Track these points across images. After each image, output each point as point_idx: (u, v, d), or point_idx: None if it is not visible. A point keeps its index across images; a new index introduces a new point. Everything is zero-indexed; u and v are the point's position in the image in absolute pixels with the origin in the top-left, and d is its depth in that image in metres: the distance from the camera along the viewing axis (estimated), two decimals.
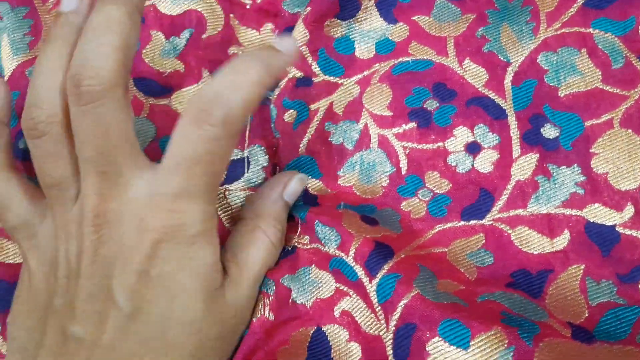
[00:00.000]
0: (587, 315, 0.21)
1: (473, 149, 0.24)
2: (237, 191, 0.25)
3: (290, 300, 0.23)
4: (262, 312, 0.23)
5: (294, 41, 0.20)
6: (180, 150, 0.19)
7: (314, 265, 0.23)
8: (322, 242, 0.23)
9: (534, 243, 0.23)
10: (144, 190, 0.19)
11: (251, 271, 0.22)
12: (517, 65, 0.25)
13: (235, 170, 0.25)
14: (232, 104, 0.18)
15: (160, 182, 0.19)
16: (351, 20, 0.27)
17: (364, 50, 0.27)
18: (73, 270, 0.19)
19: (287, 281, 0.23)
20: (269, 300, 0.23)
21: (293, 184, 0.24)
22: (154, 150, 0.26)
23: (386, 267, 0.22)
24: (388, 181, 0.25)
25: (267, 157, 0.25)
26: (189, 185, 0.19)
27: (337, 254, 0.23)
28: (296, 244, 0.24)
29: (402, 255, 0.23)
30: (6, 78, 0.27)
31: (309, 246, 0.24)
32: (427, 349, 0.20)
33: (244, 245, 0.22)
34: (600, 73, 0.25)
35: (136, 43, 0.19)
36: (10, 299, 0.22)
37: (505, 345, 0.19)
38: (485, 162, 0.24)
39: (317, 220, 0.23)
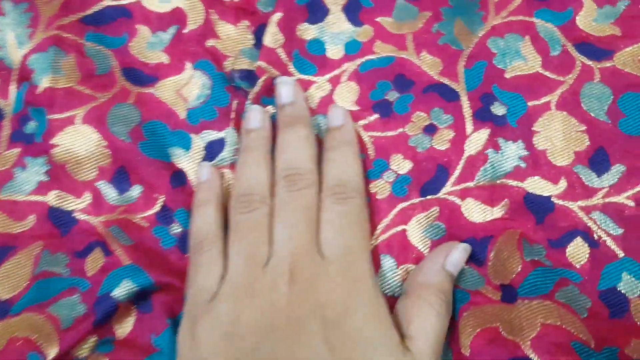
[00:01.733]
0: (519, 270, 0.25)
1: (430, 130, 0.28)
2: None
3: None
4: None
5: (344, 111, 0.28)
6: None
7: None
8: None
9: (479, 213, 0.27)
10: None
11: (423, 343, 0.22)
12: (468, 50, 0.29)
13: (213, 149, 0.29)
14: None
15: None
16: (321, 24, 0.31)
17: (334, 51, 0.30)
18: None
19: None
20: None
21: (456, 254, 0.25)
22: (137, 133, 0.29)
23: None
24: None
25: (240, 141, 0.29)
26: None
27: None
28: None
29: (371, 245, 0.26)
30: (16, 68, 0.30)
31: None
32: None
33: (410, 318, 0.23)
34: (540, 59, 0.29)
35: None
36: None
37: None
38: (442, 140, 0.28)
39: None
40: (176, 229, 0.28)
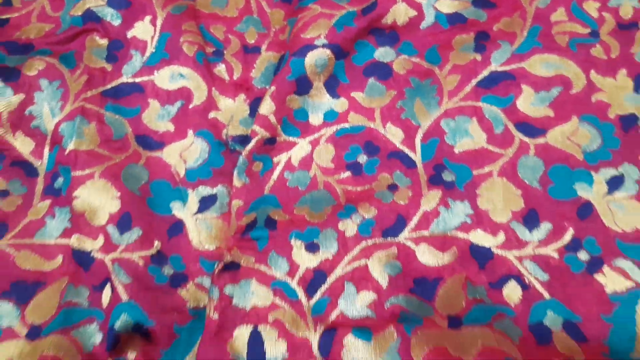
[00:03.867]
0: (463, 305, 0.32)
1: (393, 188, 0.36)
2: (204, 219, 0.35)
3: (232, 305, 0.33)
4: (209, 313, 0.32)
5: None
6: None
7: (254, 279, 0.33)
8: (271, 266, 0.34)
9: (431, 257, 0.33)
10: None
11: None
12: (425, 128, 0.37)
13: (206, 202, 0.36)
14: None
15: None
16: (305, 95, 0.38)
17: (315, 118, 0.38)
18: None
19: (229, 289, 0.33)
20: (213, 304, 0.32)
21: None
22: (146, 189, 0.36)
23: (319, 293, 0.32)
24: (330, 210, 0.35)
25: (229, 194, 0.36)
26: None
27: (283, 279, 0.33)
28: (242, 263, 0.34)
29: (335, 277, 0.33)
30: (50, 135, 0.37)
31: (254, 266, 0.34)
32: (343, 342, 0.31)
33: None
34: (485, 136, 0.37)
35: None
36: None
37: (394, 338, 0.30)
38: (402, 197, 0.35)
39: (273, 251, 0.34)
40: (168, 270, 0.34)
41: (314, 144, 0.37)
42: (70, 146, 0.36)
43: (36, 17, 0.41)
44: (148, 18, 0.40)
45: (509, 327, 0.31)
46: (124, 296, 0.33)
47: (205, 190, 0.37)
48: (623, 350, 0.31)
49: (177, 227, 0.36)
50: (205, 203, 0.36)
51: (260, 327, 0.32)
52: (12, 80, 0.38)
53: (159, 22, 0.40)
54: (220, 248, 0.35)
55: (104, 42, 0.40)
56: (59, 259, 0.35)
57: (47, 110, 0.38)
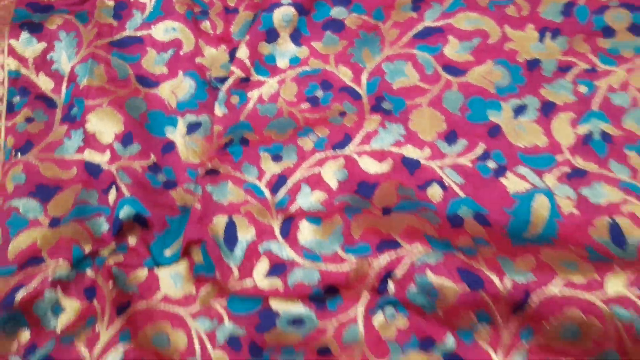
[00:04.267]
0: (395, 200, 0.40)
1: (342, 114, 0.44)
2: (191, 140, 0.44)
3: (212, 200, 0.41)
4: (194, 205, 0.41)
5: None
6: None
7: (230, 182, 0.42)
8: (244, 173, 0.42)
9: (371, 166, 0.42)
10: None
11: None
12: (369, 69, 0.46)
13: (192, 128, 0.44)
14: None
15: None
16: (274, 43, 0.48)
17: (282, 62, 0.47)
18: None
19: (210, 188, 0.42)
20: (198, 198, 0.41)
21: None
22: (144, 117, 0.45)
23: (281, 192, 0.41)
24: (292, 131, 0.44)
25: (211, 121, 0.45)
26: None
27: (253, 182, 0.42)
28: (221, 170, 0.43)
29: (294, 180, 0.42)
30: (67, 75, 0.46)
31: (230, 172, 0.42)
32: (298, 226, 0.39)
33: None
34: (418, 76, 0.46)
35: None
36: None
37: (339, 222, 0.39)
38: (350, 120, 0.44)
39: (245, 162, 0.43)
40: (162, 178, 0.43)
41: (281, 82, 0.46)
42: (84, 83, 0.45)
43: None
44: None
45: (430, 216, 0.40)
46: (126, 193, 0.41)
47: (192, 118, 0.45)
48: (519, 231, 0.40)
49: (169, 146, 0.45)
50: (192, 128, 0.45)
51: (234, 217, 0.41)
52: (37, 32, 0.47)
53: None
54: (203, 162, 0.44)
55: (111, 3, 0.49)
56: (74, 170, 0.43)
57: (64, 56, 0.47)
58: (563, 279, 0.36)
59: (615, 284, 0.36)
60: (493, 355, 0.36)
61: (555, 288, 0.36)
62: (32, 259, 0.39)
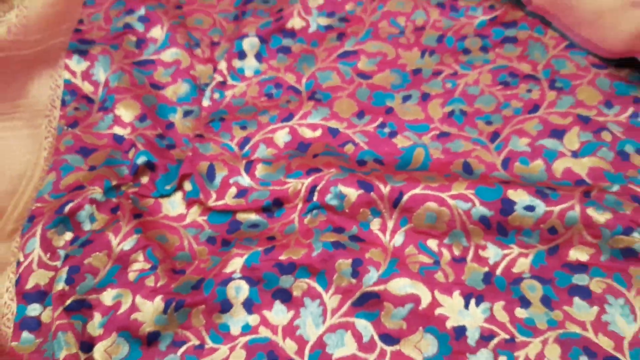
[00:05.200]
0: (322, 150, 0.61)
1: (288, 102, 0.66)
2: (186, 121, 0.65)
3: (199, 152, 0.62)
4: (187, 154, 0.61)
5: None
6: None
7: (211, 142, 0.63)
8: (221, 137, 0.63)
9: (307, 133, 0.63)
10: None
11: None
12: (307, 76, 0.68)
13: (188, 114, 0.66)
14: None
15: None
16: (244, 60, 0.70)
17: (248, 72, 0.70)
18: None
19: (197, 145, 0.62)
20: (189, 149, 0.62)
21: None
22: (154, 107, 0.66)
23: (246, 147, 0.62)
24: (255, 113, 0.65)
25: (200, 110, 0.66)
26: None
27: (228, 142, 0.63)
28: (205, 136, 0.64)
29: (254, 140, 0.63)
30: (102, 82, 0.68)
31: (212, 137, 0.63)
32: (256, 166, 0.60)
33: None
34: (340, 80, 0.68)
35: None
36: None
37: (283, 163, 0.59)
38: (293, 105, 0.65)
39: (223, 131, 0.64)
40: (166, 142, 0.63)
41: (248, 85, 0.68)
42: (115, 84, 0.67)
43: (97, 28, 0.73)
44: (159, 26, 0.72)
45: (344, 158, 0.60)
46: (141, 148, 0.62)
47: (187, 108, 0.67)
48: (403, 168, 0.60)
49: (171, 125, 0.65)
50: (187, 114, 0.66)
51: (214, 162, 0.61)
52: (84, 55, 0.69)
53: (165, 28, 0.72)
54: (194, 132, 0.64)
55: (134, 38, 0.72)
56: (106, 140, 0.63)
57: (101, 70, 0.69)
58: (424, 184, 0.56)
59: (458, 187, 0.55)
60: (382, 237, 0.54)
61: (419, 189, 0.56)
62: (76, 187, 0.58)
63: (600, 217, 0.52)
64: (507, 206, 0.54)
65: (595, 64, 0.65)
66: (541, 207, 0.53)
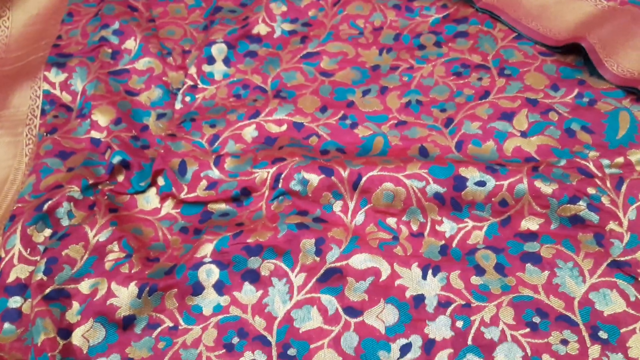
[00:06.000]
0: (287, 143, 0.64)
1: (255, 101, 0.70)
2: (160, 123, 0.69)
3: (171, 150, 0.65)
4: (159, 151, 0.65)
5: None
6: None
7: (183, 141, 0.66)
8: (192, 136, 0.67)
9: (273, 128, 0.67)
10: None
11: None
12: (272, 76, 0.72)
13: (161, 116, 0.69)
14: None
15: None
16: (213, 65, 0.74)
17: (218, 75, 0.73)
18: None
19: (170, 143, 0.66)
20: (161, 148, 0.65)
21: None
22: (129, 112, 0.70)
23: (215, 144, 0.65)
24: (224, 112, 0.69)
25: (173, 113, 0.70)
26: None
27: (198, 140, 0.66)
28: (176, 134, 0.67)
29: (223, 137, 0.66)
30: (79, 91, 0.71)
31: (183, 135, 0.67)
32: (226, 160, 0.63)
33: None
34: (304, 79, 0.72)
35: None
36: None
37: (251, 155, 0.63)
38: (260, 104, 0.69)
39: (193, 130, 0.67)
40: (140, 143, 0.67)
41: (217, 88, 0.72)
42: (90, 93, 0.71)
43: (74, 43, 0.77)
44: (132, 38, 0.76)
45: (308, 149, 0.64)
46: (117, 149, 0.65)
47: (160, 111, 0.70)
48: (364, 155, 0.63)
49: (145, 127, 0.69)
50: (160, 116, 0.70)
51: (185, 158, 0.64)
52: (62, 67, 0.73)
53: (138, 39, 0.76)
54: (167, 134, 0.68)
55: (109, 50, 0.76)
56: (83, 144, 0.67)
57: (79, 81, 0.72)
58: (381, 166, 0.59)
59: (413, 167, 0.59)
60: (344, 217, 0.57)
61: (376, 171, 0.59)
62: (55, 187, 0.61)
63: (548, 188, 0.55)
64: (460, 182, 0.57)
65: (542, 52, 0.69)
66: (491, 181, 0.56)
